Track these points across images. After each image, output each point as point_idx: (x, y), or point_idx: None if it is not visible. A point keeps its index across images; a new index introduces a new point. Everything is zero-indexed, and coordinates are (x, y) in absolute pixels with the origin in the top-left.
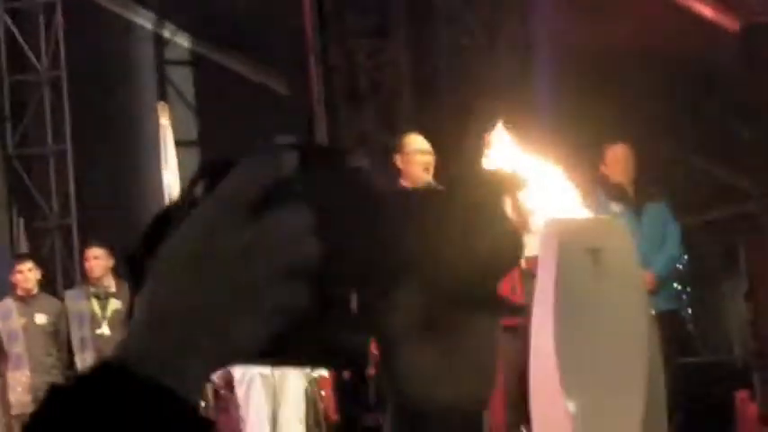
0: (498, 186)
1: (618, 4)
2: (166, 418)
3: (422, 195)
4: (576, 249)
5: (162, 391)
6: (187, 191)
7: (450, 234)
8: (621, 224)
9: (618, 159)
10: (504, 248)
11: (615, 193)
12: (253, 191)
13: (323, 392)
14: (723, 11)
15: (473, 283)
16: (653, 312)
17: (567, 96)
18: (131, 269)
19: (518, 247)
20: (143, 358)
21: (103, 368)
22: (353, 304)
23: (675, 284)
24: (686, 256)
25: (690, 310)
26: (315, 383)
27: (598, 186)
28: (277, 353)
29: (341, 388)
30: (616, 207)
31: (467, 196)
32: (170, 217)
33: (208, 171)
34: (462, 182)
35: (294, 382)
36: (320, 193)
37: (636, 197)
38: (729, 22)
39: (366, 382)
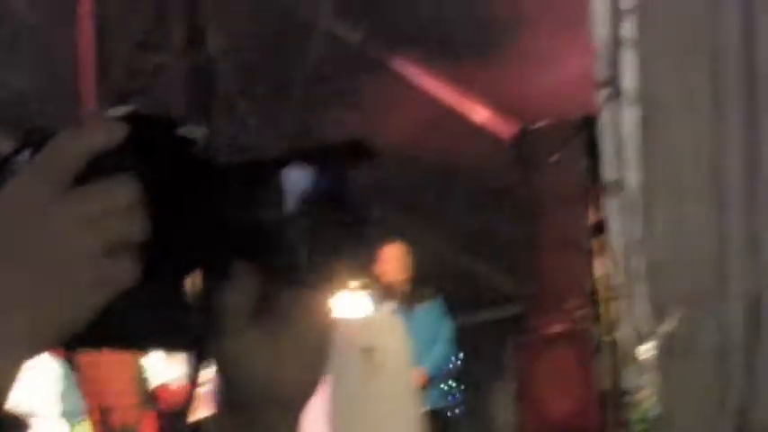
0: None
1: (394, 105)
2: None
3: (260, 169)
4: (350, 348)
5: None
6: (8, 159)
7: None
8: (395, 323)
9: (392, 258)
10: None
11: (389, 291)
12: (75, 161)
13: None
14: (498, 116)
15: (307, 259)
16: (424, 410)
17: None
18: None
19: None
20: None
21: None
22: (188, 283)
23: (447, 383)
24: (458, 355)
25: (460, 409)
26: None
27: (373, 285)
28: (103, 335)
29: None
30: (390, 306)
31: None
32: None
33: (31, 139)
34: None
35: None
36: (150, 164)
37: (409, 296)
38: (503, 127)
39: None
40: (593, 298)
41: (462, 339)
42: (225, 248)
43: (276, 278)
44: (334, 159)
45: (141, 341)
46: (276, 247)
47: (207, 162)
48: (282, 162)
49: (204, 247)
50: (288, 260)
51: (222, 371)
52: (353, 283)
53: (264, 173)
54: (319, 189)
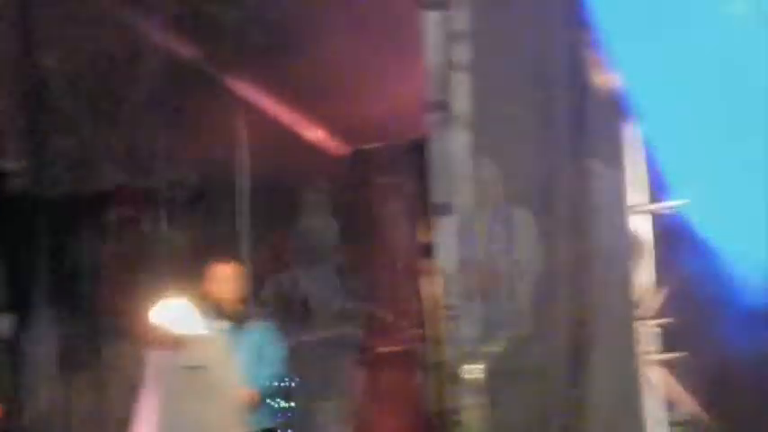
0: None
1: (227, 124)
2: None
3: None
4: (176, 367)
5: None
6: None
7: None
8: (223, 342)
9: (222, 277)
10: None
11: (218, 310)
12: None
13: None
14: (332, 136)
15: (124, 312)
16: (253, 430)
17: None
18: None
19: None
20: None
21: None
22: None
23: (277, 402)
24: (289, 374)
25: (290, 429)
26: None
27: (202, 303)
28: None
29: None
30: (218, 325)
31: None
32: None
33: None
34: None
35: None
36: None
37: (240, 315)
38: (337, 147)
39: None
40: (422, 318)
41: (294, 358)
42: (38, 292)
43: (93, 325)
44: (163, 198)
45: None
46: (93, 291)
47: (23, 198)
48: (103, 200)
49: (15, 290)
50: (106, 305)
51: (35, 421)
52: (180, 304)
53: (84, 210)
54: (145, 227)
